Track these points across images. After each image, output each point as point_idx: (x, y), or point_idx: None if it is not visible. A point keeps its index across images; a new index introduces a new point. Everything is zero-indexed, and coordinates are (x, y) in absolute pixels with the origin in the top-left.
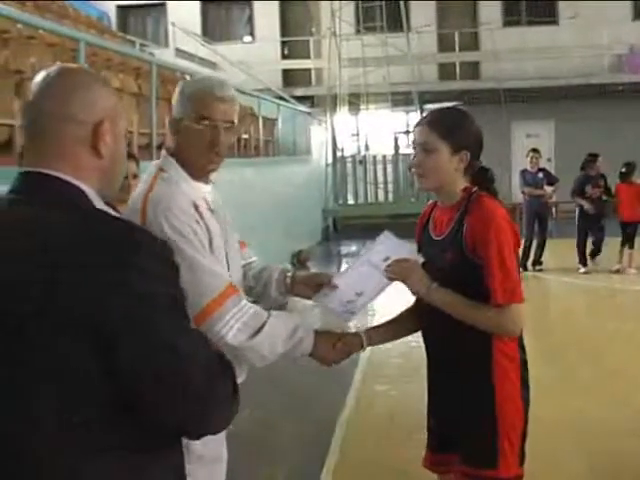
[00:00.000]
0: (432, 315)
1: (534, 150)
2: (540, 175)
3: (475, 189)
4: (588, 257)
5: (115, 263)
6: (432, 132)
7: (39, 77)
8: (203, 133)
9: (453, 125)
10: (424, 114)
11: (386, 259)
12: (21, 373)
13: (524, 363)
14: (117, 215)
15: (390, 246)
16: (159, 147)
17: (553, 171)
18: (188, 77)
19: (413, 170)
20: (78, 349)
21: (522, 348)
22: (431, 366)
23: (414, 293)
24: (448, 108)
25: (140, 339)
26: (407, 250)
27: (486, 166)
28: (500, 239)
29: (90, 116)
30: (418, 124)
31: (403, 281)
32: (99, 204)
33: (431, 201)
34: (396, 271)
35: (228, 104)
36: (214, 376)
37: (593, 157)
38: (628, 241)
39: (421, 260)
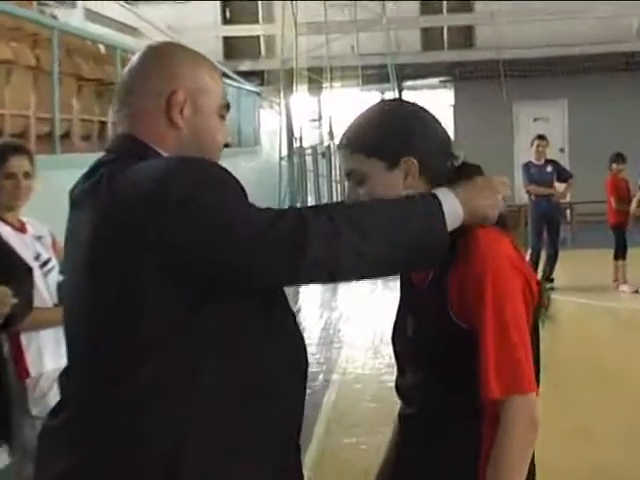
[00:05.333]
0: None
1: (540, 137)
2: (548, 169)
3: None
4: None
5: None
6: (354, 154)
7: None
8: None
9: (378, 131)
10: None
11: None
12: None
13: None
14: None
15: None
16: (64, 137)
17: (567, 164)
18: (102, 47)
19: None
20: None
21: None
22: None
23: None
24: (369, 109)
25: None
26: None
27: (468, 161)
28: (500, 296)
29: (166, 86)
30: (338, 147)
31: None
32: None
33: None
34: None
35: None
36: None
37: None
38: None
39: None
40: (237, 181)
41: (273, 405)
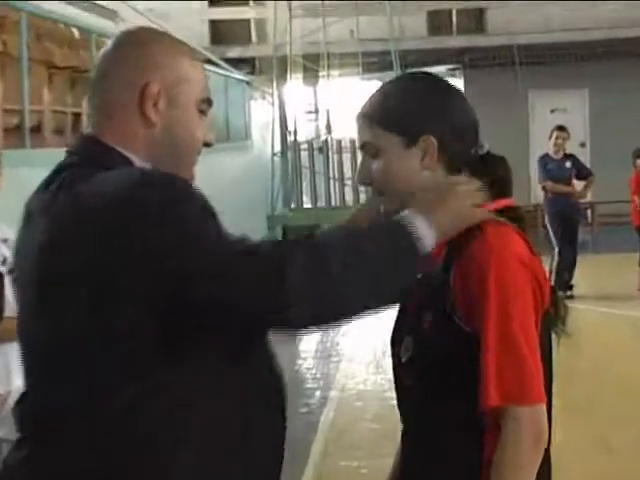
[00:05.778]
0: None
1: (560, 128)
2: (567, 164)
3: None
4: None
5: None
6: (372, 125)
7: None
8: None
9: (399, 105)
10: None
11: None
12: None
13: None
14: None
15: None
16: (34, 130)
17: (587, 160)
18: (76, 31)
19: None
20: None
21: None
22: None
23: None
24: (396, 80)
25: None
26: None
27: (494, 153)
28: (504, 290)
29: (140, 77)
30: (356, 117)
31: None
32: None
33: None
34: None
35: None
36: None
37: None
38: None
39: None
40: (207, 202)
41: (270, 406)
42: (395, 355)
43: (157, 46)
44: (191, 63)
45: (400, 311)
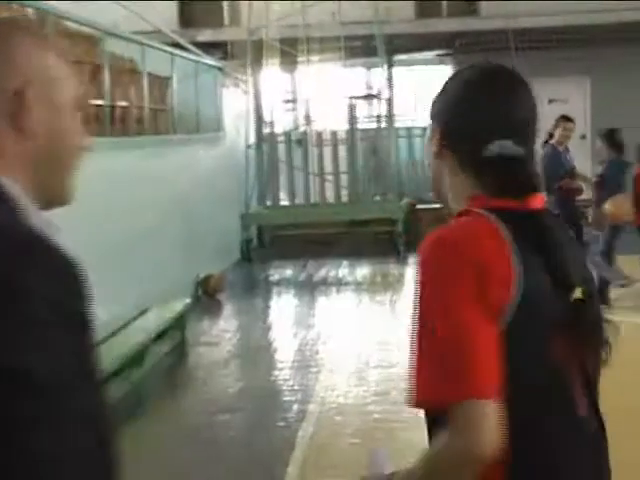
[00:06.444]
0: None
1: (565, 118)
2: (568, 157)
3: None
4: None
5: None
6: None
7: None
8: None
9: (439, 90)
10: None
11: None
12: None
13: None
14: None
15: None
16: None
17: (588, 153)
18: (30, 11)
19: None
20: None
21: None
22: None
23: None
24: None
25: None
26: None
27: (513, 153)
28: (427, 285)
29: (9, 81)
30: None
31: None
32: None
33: None
34: None
35: None
36: None
37: None
38: None
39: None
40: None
41: None
42: None
43: (23, 40)
44: (60, 58)
45: None
